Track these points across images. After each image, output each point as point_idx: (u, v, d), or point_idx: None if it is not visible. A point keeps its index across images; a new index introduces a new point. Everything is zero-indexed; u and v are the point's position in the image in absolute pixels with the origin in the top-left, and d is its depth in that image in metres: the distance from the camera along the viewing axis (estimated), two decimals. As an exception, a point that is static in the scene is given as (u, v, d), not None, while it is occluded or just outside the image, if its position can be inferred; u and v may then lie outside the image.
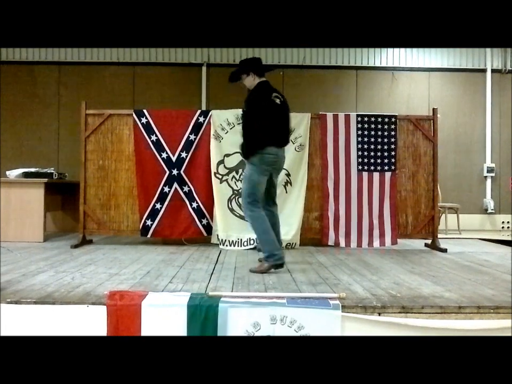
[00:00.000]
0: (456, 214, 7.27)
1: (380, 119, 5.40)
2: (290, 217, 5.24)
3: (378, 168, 5.36)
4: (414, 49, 8.38)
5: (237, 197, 5.31)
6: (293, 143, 5.14)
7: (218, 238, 5.29)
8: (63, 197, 6.39)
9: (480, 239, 6.54)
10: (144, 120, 5.32)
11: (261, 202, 3.80)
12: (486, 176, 8.34)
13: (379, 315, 2.65)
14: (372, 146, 5.36)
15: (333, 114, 5.43)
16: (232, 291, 3.00)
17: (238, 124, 5.13)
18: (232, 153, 5.24)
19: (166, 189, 5.32)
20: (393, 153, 5.37)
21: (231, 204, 5.35)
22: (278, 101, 3.80)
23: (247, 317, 2.56)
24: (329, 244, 5.32)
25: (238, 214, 5.30)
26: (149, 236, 5.33)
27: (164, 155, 5.31)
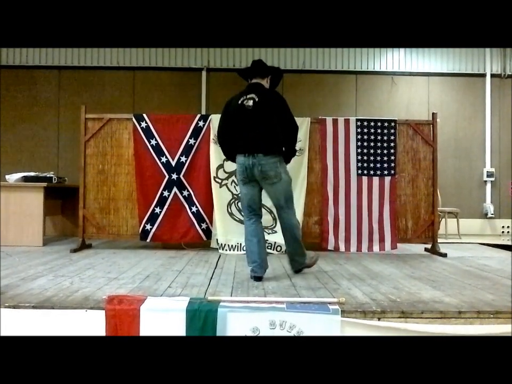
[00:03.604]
0: (456, 219, 7.26)
1: (379, 124, 5.40)
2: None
3: (378, 172, 5.36)
4: (414, 54, 8.40)
5: (236, 202, 5.31)
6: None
7: (217, 243, 5.28)
8: (63, 201, 6.38)
9: (480, 243, 6.54)
10: (143, 124, 5.33)
11: (251, 212, 3.69)
12: (485, 181, 8.33)
13: (379, 320, 2.64)
14: (372, 151, 5.37)
15: (333, 118, 5.43)
16: (231, 296, 2.99)
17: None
18: (232, 158, 5.24)
19: (166, 193, 5.31)
20: (392, 157, 5.37)
21: (230, 208, 5.34)
22: (251, 102, 3.57)
23: (246, 321, 2.55)
24: (329, 248, 5.31)
25: (237, 219, 5.29)
26: (148, 240, 5.33)
27: (164, 159, 5.31)
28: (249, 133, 3.56)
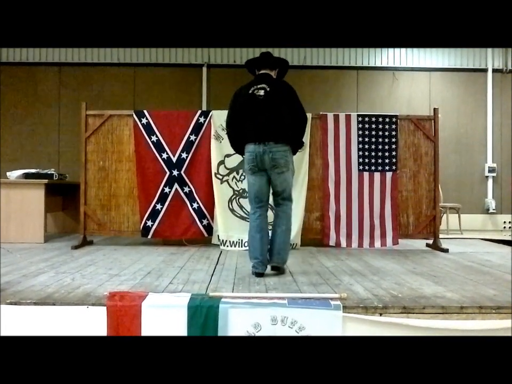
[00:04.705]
0: (457, 214, 7.25)
1: (380, 119, 5.39)
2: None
3: (379, 168, 5.35)
4: (415, 49, 8.38)
5: (237, 198, 5.31)
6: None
7: (219, 239, 5.28)
8: (64, 198, 6.38)
9: (481, 239, 6.52)
10: (144, 120, 5.32)
11: (258, 203, 3.67)
12: (487, 176, 8.33)
13: (380, 315, 2.63)
14: (373, 146, 5.35)
15: (334, 114, 5.42)
16: (232, 292, 2.99)
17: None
18: (233, 154, 5.21)
19: (167, 190, 5.31)
20: (394, 153, 5.36)
21: (231, 204, 5.34)
22: (262, 92, 3.59)
23: (248, 317, 2.55)
24: (330, 244, 5.31)
25: (238, 215, 5.29)
26: (149, 236, 5.33)
27: (164, 155, 5.30)
28: (260, 122, 3.56)
